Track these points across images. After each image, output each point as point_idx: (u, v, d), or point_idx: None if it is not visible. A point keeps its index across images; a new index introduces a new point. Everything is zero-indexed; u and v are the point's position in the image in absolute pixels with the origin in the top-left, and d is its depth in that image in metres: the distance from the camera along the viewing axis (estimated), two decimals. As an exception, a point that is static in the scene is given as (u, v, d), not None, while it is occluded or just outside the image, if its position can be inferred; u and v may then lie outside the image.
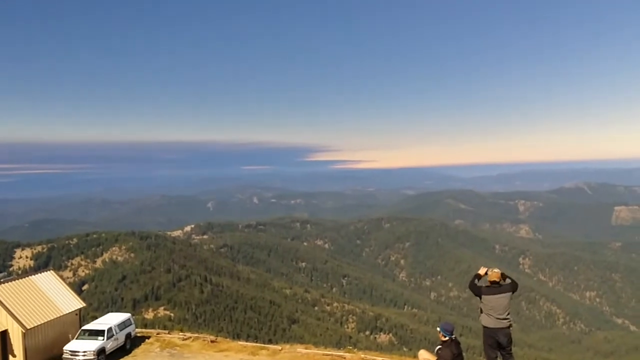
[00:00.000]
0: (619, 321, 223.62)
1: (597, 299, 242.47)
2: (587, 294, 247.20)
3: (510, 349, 13.71)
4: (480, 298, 13.84)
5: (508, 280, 13.75)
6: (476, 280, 14.01)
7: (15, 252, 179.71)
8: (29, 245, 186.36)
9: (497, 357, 13.87)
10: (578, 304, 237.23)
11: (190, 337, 28.43)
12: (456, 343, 13.01)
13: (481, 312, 13.85)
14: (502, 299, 13.51)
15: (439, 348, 12.91)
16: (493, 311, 13.52)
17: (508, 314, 13.47)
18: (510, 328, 13.58)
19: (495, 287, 13.67)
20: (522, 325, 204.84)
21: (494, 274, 13.73)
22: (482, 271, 13.96)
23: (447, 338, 12.88)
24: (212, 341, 27.62)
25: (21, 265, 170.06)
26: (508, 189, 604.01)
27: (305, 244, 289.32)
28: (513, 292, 13.64)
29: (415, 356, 14.87)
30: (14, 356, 23.74)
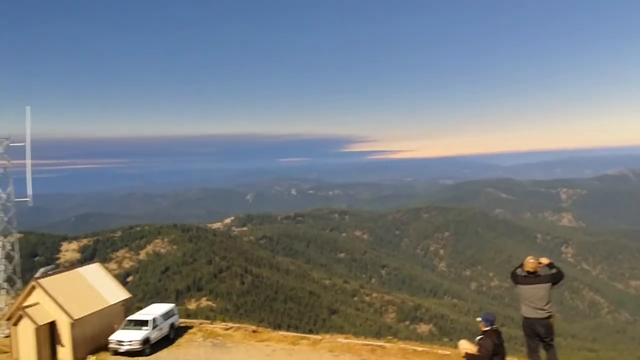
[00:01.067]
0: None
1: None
2: (632, 282, 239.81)
3: (551, 340, 13.50)
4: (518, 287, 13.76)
5: (553, 271, 13.49)
6: (518, 270, 13.84)
7: (62, 245, 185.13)
8: (75, 239, 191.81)
9: (537, 347, 13.71)
10: (622, 293, 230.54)
11: (232, 327, 28.76)
12: (497, 333, 12.90)
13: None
14: (537, 289, 13.32)
15: (480, 338, 12.82)
16: (528, 301, 13.43)
17: (547, 304, 13.26)
18: (551, 319, 13.37)
19: (530, 277, 13.52)
20: (566, 315, 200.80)
21: (529, 263, 13.52)
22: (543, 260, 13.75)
23: (488, 328, 12.79)
24: (253, 331, 27.89)
25: (68, 258, 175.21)
26: (549, 176, 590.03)
27: (343, 234, 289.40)
28: (554, 284, 13.39)
29: (456, 346, 14.76)
30: (62, 346, 24.41)
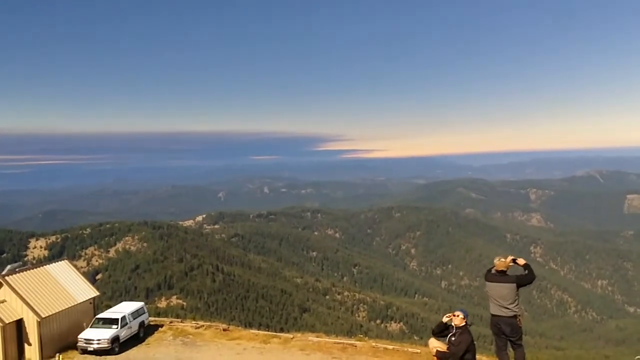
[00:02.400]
0: (631, 309, 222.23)
1: (609, 288, 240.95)
2: (599, 282, 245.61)
3: (517, 340, 13.71)
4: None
5: (525, 272, 13.67)
6: (492, 268, 14.06)
7: (29, 242, 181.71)
8: (43, 236, 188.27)
9: (505, 345, 13.91)
10: (590, 293, 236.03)
11: (203, 326, 28.66)
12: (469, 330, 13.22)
13: None
14: (501, 287, 13.54)
15: (458, 333, 13.02)
16: (493, 298, 13.70)
17: (512, 304, 13.43)
18: (517, 319, 13.55)
19: (497, 275, 13.76)
20: (534, 314, 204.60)
21: (501, 263, 13.75)
22: (509, 260, 13.90)
23: (465, 323, 13.09)
24: (224, 330, 27.82)
25: (36, 255, 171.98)
26: (519, 177, 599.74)
27: (316, 233, 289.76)
28: (521, 285, 13.57)
29: (426, 345, 14.97)
30: (30, 344, 24.05)
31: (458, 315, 13.25)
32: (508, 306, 13.41)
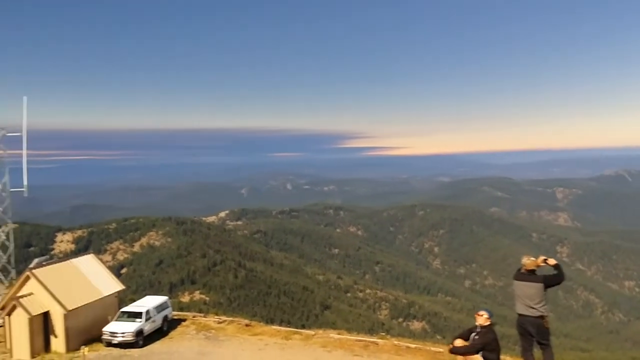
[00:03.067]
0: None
1: (637, 289, 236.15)
2: (627, 283, 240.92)
3: (546, 341, 13.55)
4: None
5: (554, 273, 13.52)
6: (522, 268, 13.93)
7: (56, 236, 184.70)
8: (70, 230, 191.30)
9: (530, 346, 13.76)
10: (617, 294, 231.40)
11: (225, 321, 28.79)
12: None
13: None
14: (528, 287, 13.42)
15: (482, 332, 12.90)
16: (519, 297, 13.61)
17: (538, 304, 13.29)
18: (543, 319, 13.39)
19: (525, 274, 13.63)
20: (559, 314, 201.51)
21: (530, 262, 13.61)
22: (540, 260, 13.75)
23: (490, 323, 13.01)
24: (246, 325, 27.92)
25: (62, 249, 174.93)
26: (545, 176, 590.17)
27: (338, 230, 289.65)
28: (549, 285, 13.41)
29: (449, 344, 14.84)
30: (56, 337, 24.42)
31: (482, 315, 13.15)
32: (534, 306, 13.27)
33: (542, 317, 13.34)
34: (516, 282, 13.78)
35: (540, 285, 13.30)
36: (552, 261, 13.59)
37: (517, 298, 13.70)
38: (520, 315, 13.62)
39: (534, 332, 13.37)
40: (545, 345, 13.59)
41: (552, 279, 13.40)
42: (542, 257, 13.68)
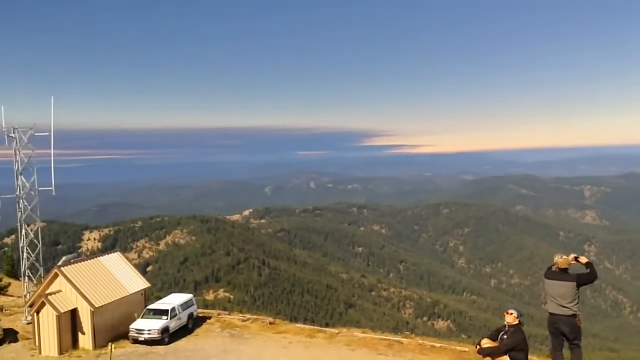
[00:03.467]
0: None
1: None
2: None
3: (575, 340, 13.32)
4: None
5: (586, 271, 13.28)
6: (553, 266, 13.73)
7: (83, 234, 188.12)
8: (97, 228, 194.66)
9: (560, 345, 13.54)
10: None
11: (250, 319, 28.89)
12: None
13: None
14: (560, 286, 13.18)
15: (510, 331, 12.72)
16: (551, 296, 13.38)
17: (571, 302, 13.06)
18: (576, 318, 13.17)
19: (557, 273, 13.39)
20: (587, 314, 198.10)
21: (562, 260, 13.39)
22: (570, 257, 13.52)
23: (519, 322, 12.84)
24: (270, 323, 27.97)
25: (89, 247, 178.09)
26: (572, 173, 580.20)
27: (361, 229, 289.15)
28: (581, 284, 13.17)
29: (474, 343, 14.63)
30: (83, 333, 24.77)
31: (512, 314, 12.94)
32: (567, 305, 13.05)
33: (574, 315, 13.13)
34: (547, 281, 13.55)
35: (572, 284, 13.08)
36: (583, 259, 13.33)
37: (548, 297, 13.48)
38: (551, 314, 13.40)
39: (567, 331, 13.16)
40: (575, 345, 13.36)
41: (585, 278, 13.17)
42: (572, 255, 13.44)
